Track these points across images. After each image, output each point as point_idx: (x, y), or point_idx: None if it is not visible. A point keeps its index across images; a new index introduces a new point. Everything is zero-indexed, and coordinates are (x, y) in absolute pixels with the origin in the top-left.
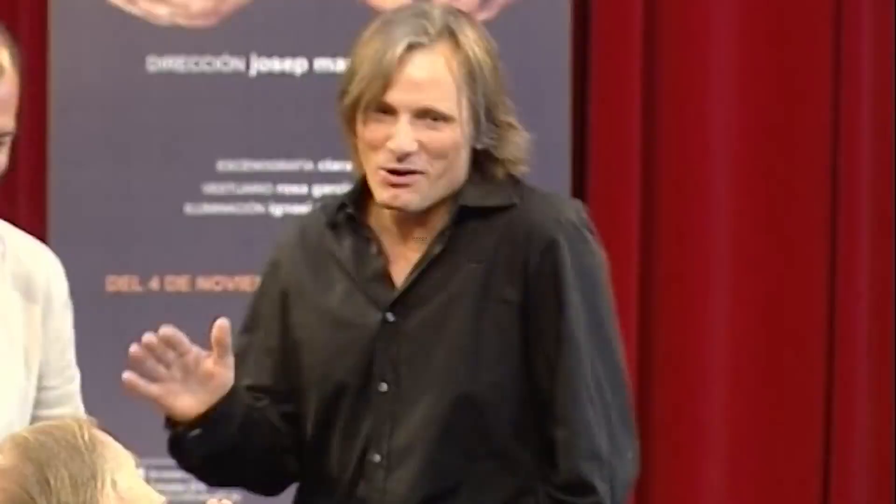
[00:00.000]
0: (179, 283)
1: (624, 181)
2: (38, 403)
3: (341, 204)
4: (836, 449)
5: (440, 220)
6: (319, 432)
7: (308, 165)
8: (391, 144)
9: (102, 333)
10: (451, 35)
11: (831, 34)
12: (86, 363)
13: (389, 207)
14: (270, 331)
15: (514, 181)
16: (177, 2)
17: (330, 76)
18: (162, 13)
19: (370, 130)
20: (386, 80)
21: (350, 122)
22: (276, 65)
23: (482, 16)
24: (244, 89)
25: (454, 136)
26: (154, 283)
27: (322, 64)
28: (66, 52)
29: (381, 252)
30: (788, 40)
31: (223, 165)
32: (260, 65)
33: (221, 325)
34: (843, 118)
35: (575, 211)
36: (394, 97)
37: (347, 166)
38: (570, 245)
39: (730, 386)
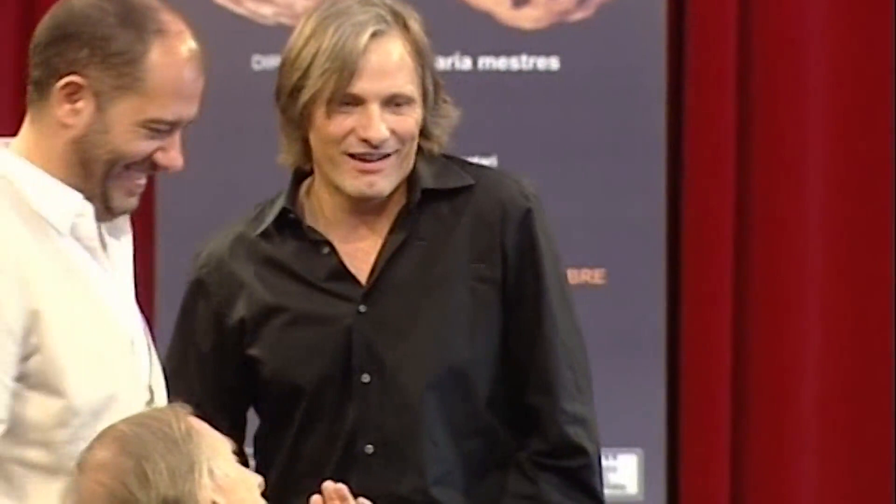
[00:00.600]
0: None
1: (719, 178)
2: None
3: (283, 210)
4: None
5: (395, 205)
6: (289, 435)
7: None
8: (366, 134)
9: None
10: (401, 20)
11: None
12: None
13: (362, 197)
14: (205, 346)
15: (455, 160)
16: (281, 2)
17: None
18: (267, 13)
19: (335, 123)
20: (352, 70)
21: (302, 118)
22: None
23: (579, 15)
24: None
25: (417, 118)
26: None
27: None
28: None
29: (332, 250)
30: (883, 37)
31: None
32: None
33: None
34: None
35: (529, 183)
36: (362, 87)
37: None
38: (539, 217)
39: (822, 381)
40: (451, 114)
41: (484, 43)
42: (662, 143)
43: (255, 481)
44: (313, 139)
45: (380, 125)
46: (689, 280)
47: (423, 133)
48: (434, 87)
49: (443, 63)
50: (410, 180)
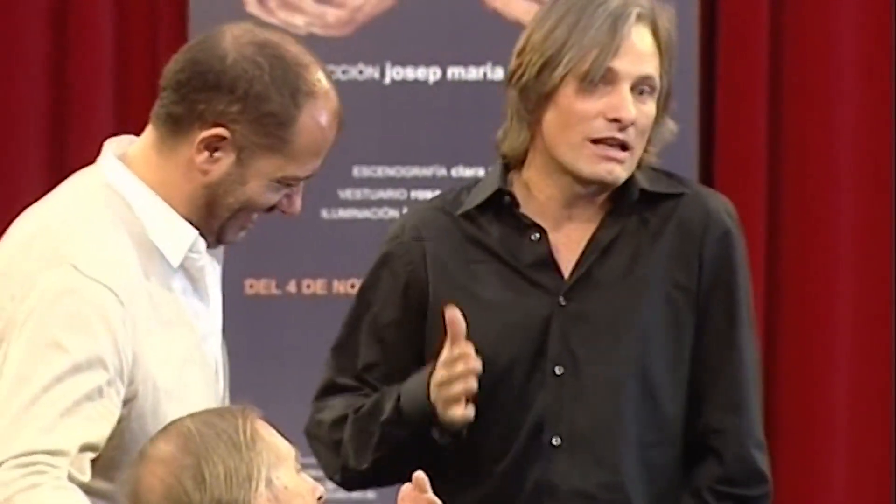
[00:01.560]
0: (316, 286)
1: (750, 180)
2: None
3: (497, 191)
4: None
5: (607, 203)
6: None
7: (441, 171)
8: (617, 113)
9: (241, 335)
10: (655, 12)
11: None
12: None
13: (601, 182)
14: (384, 318)
15: (664, 172)
16: (313, 11)
17: (462, 84)
18: (298, 23)
19: (585, 101)
20: (617, 46)
21: (546, 99)
22: (409, 73)
23: None
24: (379, 97)
25: (654, 112)
26: (291, 287)
27: (455, 72)
28: None
29: (542, 238)
30: None
31: (359, 171)
32: (394, 73)
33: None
34: None
35: (733, 206)
36: (621, 64)
37: (480, 172)
38: (738, 239)
39: (852, 382)
40: (672, 128)
41: None
42: (694, 145)
43: (313, 493)
44: (552, 122)
45: (630, 106)
46: None
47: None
48: (667, 91)
49: (475, 73)
50: (626, 180)
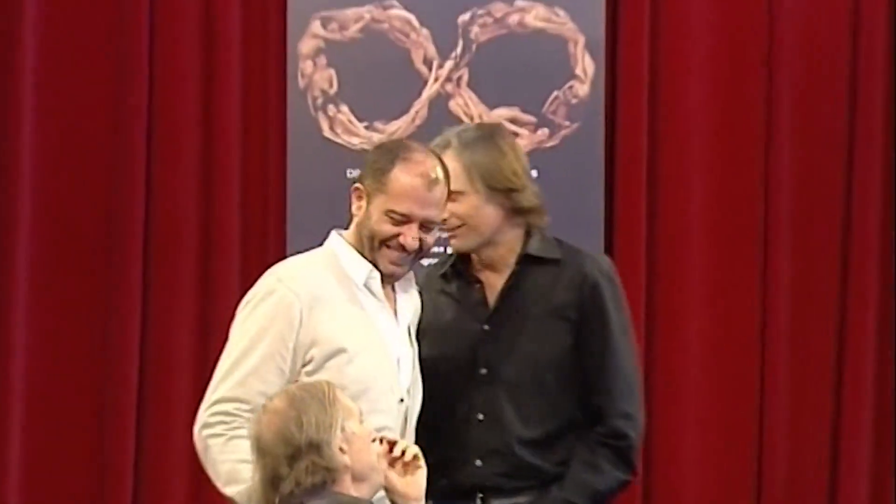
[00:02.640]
0: None
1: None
2: None
3: (454, 262)
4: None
5: (513, 264)
6: (431, 405)
7: None
8: None
9: None
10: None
11: None
12: None
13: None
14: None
15: (556, 241)
16: (364, 135)
17: None
18: (355, 142)
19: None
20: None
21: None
22: None
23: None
24: None
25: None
26: None
27: None
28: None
29: (480, 287)
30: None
31: None
32: None
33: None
34: None
35: (607, 264)
36: None
37: None
38: (608, 286)
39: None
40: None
41: None
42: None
43: (371, 435)
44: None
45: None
46: None
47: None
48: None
49: None
50: (524, 246)
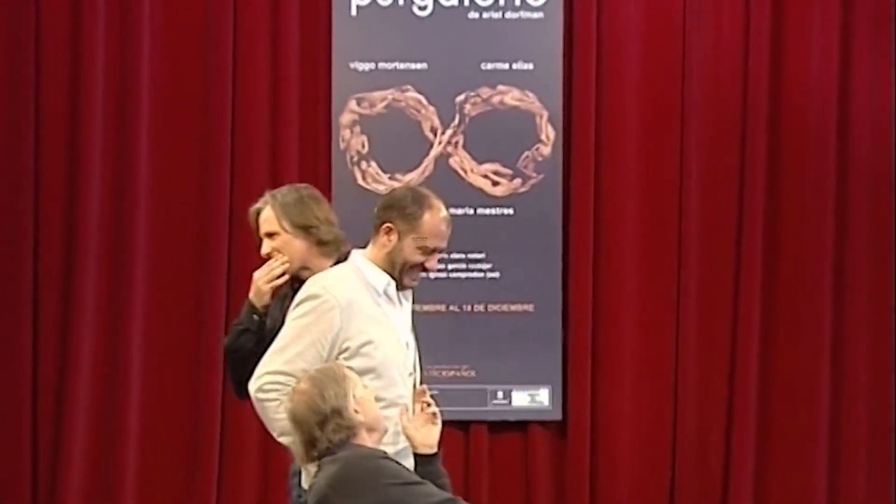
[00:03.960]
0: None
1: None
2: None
3: (292, 282)
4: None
5: None
6: None
7: None
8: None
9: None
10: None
11: None
12: None
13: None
14: None
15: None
16: (388, 183)
17: None
18: (380, 188)
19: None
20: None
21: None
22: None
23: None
24: None
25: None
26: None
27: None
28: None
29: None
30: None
31: None
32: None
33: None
34: None
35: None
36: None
37: None
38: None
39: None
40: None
41: None
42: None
43: (373, 395)
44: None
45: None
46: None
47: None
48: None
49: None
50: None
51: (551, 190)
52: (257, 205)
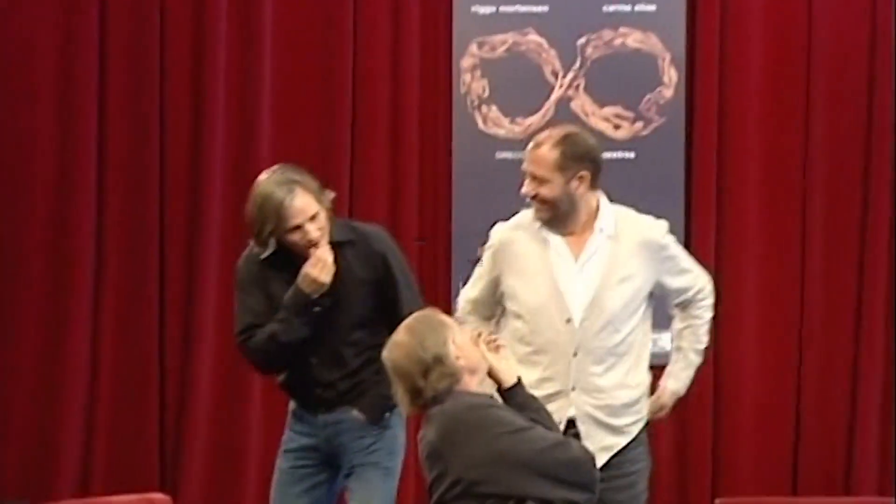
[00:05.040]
0: None
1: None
2: None
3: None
4: None
5: None
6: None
7: None
8: None
9: None
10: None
11: None
12: None
13: None
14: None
15: (345, 223)
16: (507, 126)
17: None
18: (500, 132)
19: None
20: None
21: None
22: None
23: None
24: None
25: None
26: None
27: None
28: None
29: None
30: None
31: None
32: None
33: None
34: None
35: (389, 238)
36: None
37: None
38: (389, 247)
39: None
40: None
41: None
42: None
43: (472, 338)
44: None
45: None
46: None
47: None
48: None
49: None
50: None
51: (674, 133)
52: (278, 197)
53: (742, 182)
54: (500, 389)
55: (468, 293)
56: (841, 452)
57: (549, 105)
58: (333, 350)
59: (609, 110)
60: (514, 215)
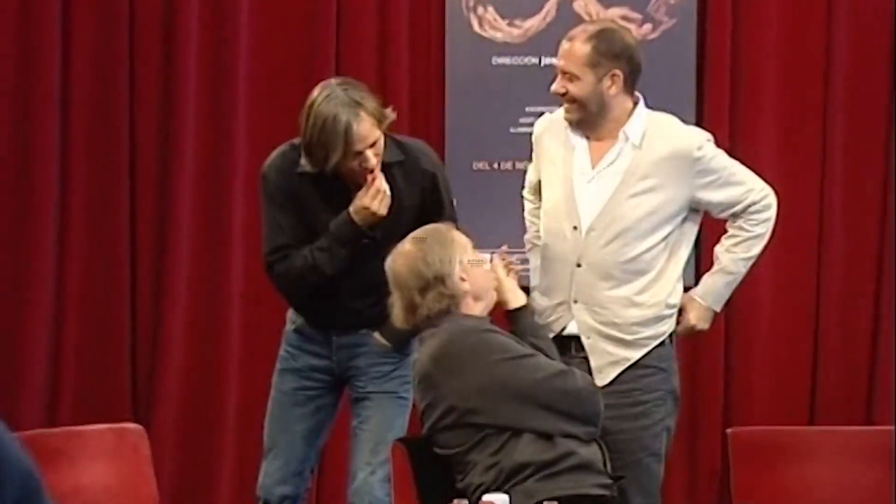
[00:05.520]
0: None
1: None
2: None
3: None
4: None
5: None
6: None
7: None
8: None
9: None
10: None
11: None
12: None
13: None
14: None
15: (395, 141)
16: (505, 29)
17: None
18: (497, 35)
19: None
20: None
21: None
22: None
23: None
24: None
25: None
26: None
27: None
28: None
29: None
30: None
31: None
32: (546, 61)
33: None
34: None
35: (433, 153)
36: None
37: None
38: (438, 169)
39: None
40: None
41: None
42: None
43: (486, 262)
44: None
45: None
46: None
47: None
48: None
49: None
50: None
51: (684, 36)
52: (343, 120)
53: (757, 93)
54: (511, 312)
55: (529, 175)
56: (861, 380)
57: (551, 6)
58: (368, 279)
59: (615, 11)
60: (511, 126)
